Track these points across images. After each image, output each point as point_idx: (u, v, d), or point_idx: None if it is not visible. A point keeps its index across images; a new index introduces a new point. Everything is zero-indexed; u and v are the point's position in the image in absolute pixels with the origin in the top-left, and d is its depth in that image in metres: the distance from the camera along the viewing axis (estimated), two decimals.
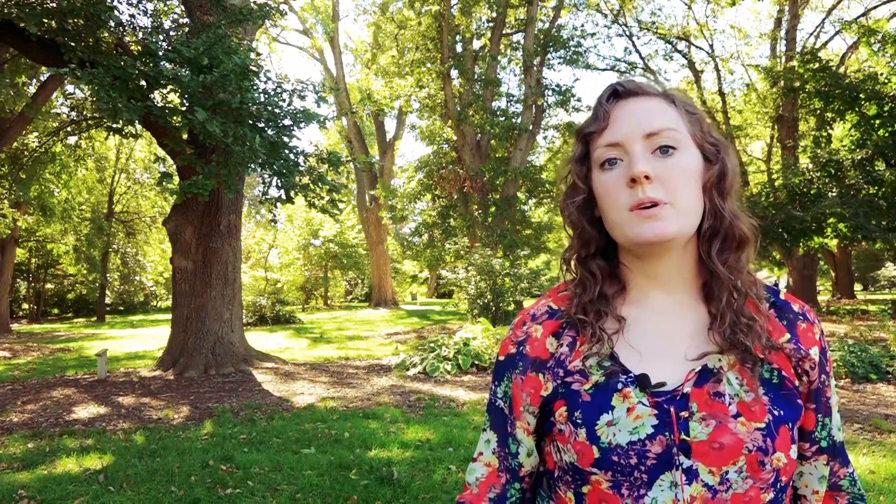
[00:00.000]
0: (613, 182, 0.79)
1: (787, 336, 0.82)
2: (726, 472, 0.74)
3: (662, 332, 0.82)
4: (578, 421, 0.78)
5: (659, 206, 0.76)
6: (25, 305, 26.45)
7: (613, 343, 0.81)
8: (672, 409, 0.76)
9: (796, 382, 0.80)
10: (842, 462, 0.88)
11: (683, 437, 0.75)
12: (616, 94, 0.83)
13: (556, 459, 0.83)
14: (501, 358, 0.89)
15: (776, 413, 0.76)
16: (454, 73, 18.05)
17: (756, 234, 0.84)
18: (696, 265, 0.84)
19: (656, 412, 0.76)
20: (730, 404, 0.76)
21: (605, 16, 20.60)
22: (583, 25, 24.89)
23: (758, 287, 0.83)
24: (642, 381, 0.77)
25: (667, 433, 0.75)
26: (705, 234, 0.82)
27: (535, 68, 17.43)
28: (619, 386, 0.78)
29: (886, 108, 12.03)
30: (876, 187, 12.07)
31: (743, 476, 0.74)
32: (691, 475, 0.74)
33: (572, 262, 0.89)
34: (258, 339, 13.03)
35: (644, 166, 0.76)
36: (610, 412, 0.77)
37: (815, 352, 0.82)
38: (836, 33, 18.41)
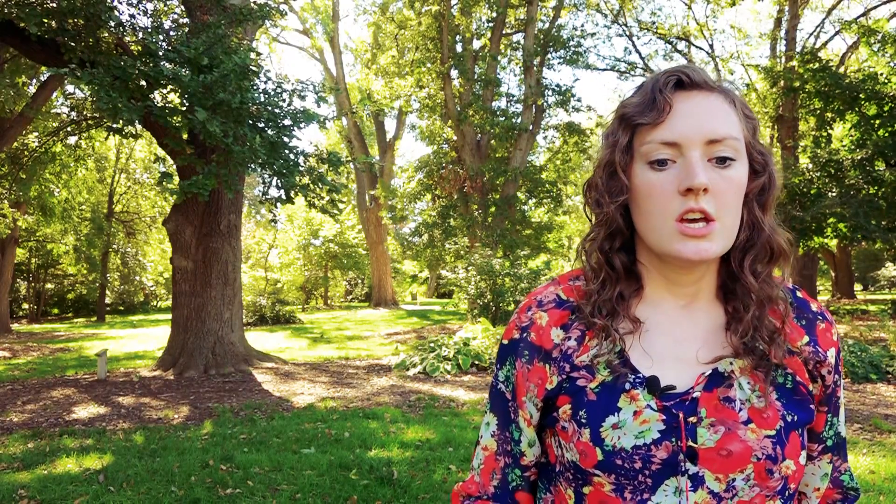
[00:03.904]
0: (663, 186, 0.72)
1: (806, 339, 0.79)
2: (733, 480, 0.72)
3: (676, 334, 0.79)
4: (583, 420, 0.75)
5: (709, 223, 0.71)
6: (25, 305, 26.43)
7: (626, 344, 0.78)
8: (680, 414, 0.73)
9: (810, 387, 0.78)
10: (842, 456, 0.88)
11: (690, 443, 0.72)
12: (679, 83, 0.74)
13: (557, 455, 0.80)
14: (505, 342, 0.85)
15: (788, 419, 0.75)
16: (454, 73, 18.06)
17: (791, 249, 0.79)
18: (720, 269, 0.80)
19: (664, 417, 0.73)
20: (740, 410, 0.74)
21: (605, 16, 20.60)
22: (583, 25, 24.92)
23: (785, 301, 0.79)
24: (651, 384, 0.74)
25: (673, 439, 0.73)
26: (740, 245, 0.77)
27: (535, 68, 17.44)
28: (627, 387, 0.75)
29: (886, 108, 12.03)
30: (876, 187, 12.07)
31: (750, 484, 0.72)
32: (697, 482, 0.72)
33: (593, 255, 0.82)
34: (258, 339, 13.03)
35: (704, 178, 0.70)
36: (616, 414, 0.74)
37: (832, 353, 0.80)
38: (836, 33, 18.41)
